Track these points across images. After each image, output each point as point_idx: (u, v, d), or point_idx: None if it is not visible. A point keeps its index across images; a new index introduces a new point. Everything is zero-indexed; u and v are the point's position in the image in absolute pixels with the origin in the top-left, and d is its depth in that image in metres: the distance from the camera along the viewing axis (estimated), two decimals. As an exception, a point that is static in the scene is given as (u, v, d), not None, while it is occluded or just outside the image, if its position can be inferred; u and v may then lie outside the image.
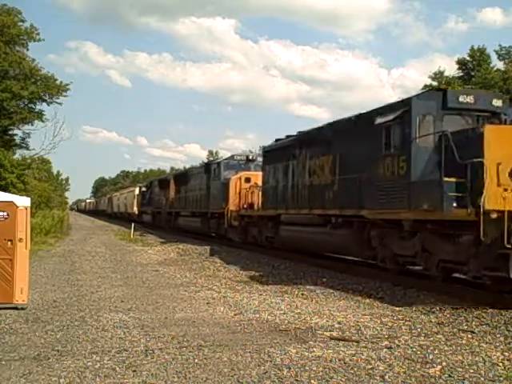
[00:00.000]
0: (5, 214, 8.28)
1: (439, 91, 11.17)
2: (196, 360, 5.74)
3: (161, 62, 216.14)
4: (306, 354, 6.04)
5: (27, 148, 36.94)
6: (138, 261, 16.98)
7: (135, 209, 50.19)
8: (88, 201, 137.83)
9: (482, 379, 5.25)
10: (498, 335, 7.08)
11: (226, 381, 5.10)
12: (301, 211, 15.61)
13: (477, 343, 6.62)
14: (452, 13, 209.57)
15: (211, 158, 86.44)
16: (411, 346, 6.47)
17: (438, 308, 8.94)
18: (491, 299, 9.13)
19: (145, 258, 18.14)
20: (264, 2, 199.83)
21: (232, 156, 25.35)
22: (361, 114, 12.67)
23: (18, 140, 36.55)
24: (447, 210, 9.35)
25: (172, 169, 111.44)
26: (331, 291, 10.88)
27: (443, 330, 7.38)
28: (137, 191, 50.58)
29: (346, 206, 12.75)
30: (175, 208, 33.63)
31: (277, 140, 18.60)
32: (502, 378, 5.29)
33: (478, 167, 8.81)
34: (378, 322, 7.89)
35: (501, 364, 5.74)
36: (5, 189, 23.31)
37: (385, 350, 6.26)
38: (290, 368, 5.47)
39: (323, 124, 15.35)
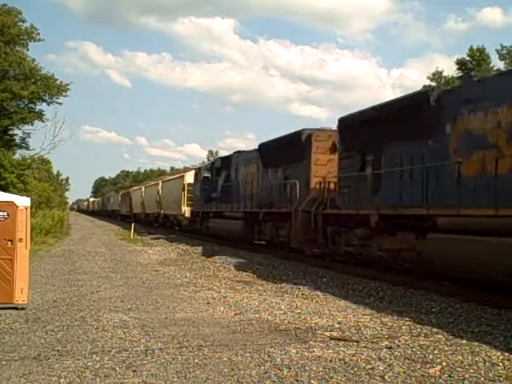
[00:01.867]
0: (5, 213, 8.27)
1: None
2: (196, 360, 5.73)
3: (160, 62, 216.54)
4: (306, 354, 6.04)
5: (27, 148, 36.86)
6: (138, 261, 16.97)
7: (184, 209, 30.70)
8: (91, 199, 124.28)
9: (482, 379, 5.25)
10: (498, 335, 7.08)
11: (226, 381, 5.09)
12: None
13: (477, 343, 6.62)
14: (452, 12, 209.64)
15: (211, 158, 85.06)
16: (411, 346, 6.47)
17: (437, 308, 8.95)
18: (491, 299, 9.17)
19: (145, 258, 18.14)
20: (263, 1, 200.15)
21: None
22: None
23: (18, 140, 36.45)
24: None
25: (172, 169, 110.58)
26: (331, 291, 10.88)
27: (443, 330, 7.39)
28: (189, 178, 30.69)
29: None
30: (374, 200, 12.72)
31: None
32: (502, 378, 5.29)
33: None
34: (378, 322, 7.89)
35: (501, 364, 5.74)
36: (5, 189, 23.27)
37: (385, 349, 6.26)
38: (289, 368, 5.47)
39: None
